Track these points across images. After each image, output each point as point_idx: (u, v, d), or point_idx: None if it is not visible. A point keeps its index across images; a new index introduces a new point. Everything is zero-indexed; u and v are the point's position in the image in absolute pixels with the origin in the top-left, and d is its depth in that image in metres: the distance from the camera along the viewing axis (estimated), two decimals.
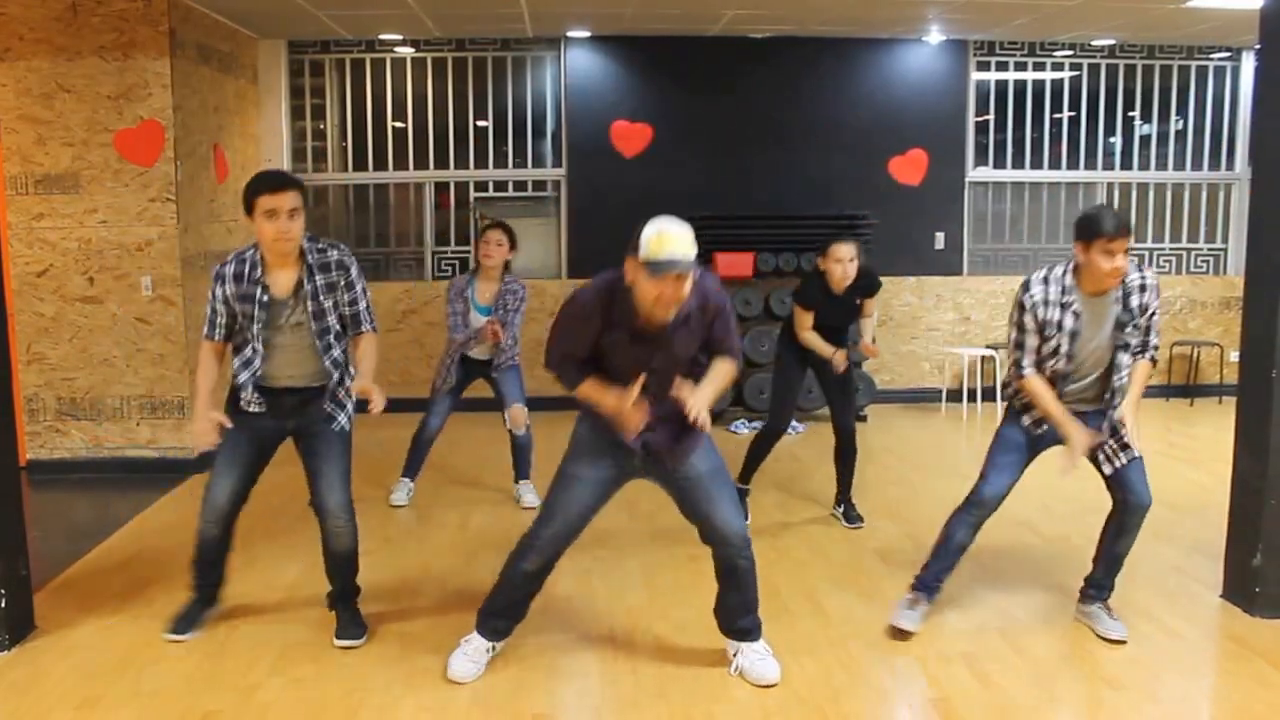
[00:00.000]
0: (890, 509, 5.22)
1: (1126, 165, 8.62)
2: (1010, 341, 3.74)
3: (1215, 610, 4.01)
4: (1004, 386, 3.88)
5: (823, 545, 4.85)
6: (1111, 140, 8.59)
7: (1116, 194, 8.58)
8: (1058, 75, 8.48)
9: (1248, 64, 8.47)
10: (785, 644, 3.65)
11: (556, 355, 3.25)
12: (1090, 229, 3.42)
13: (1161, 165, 8.62)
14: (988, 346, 8.20)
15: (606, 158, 7.98)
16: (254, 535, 4.64)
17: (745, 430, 7.37)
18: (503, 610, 3.49)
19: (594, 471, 3.31)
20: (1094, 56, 8.39)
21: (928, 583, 3.83)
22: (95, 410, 6.11)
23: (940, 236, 8.31)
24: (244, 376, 3.56)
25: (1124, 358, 3.60)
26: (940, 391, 8.22)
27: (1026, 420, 3.74)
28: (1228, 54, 8.49)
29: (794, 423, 6.89)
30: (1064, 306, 3.55)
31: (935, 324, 8.39)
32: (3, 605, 3.65)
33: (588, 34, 7.84)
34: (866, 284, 4.97)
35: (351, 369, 3.68)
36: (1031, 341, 3.64)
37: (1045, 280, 3.59)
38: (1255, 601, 3.93)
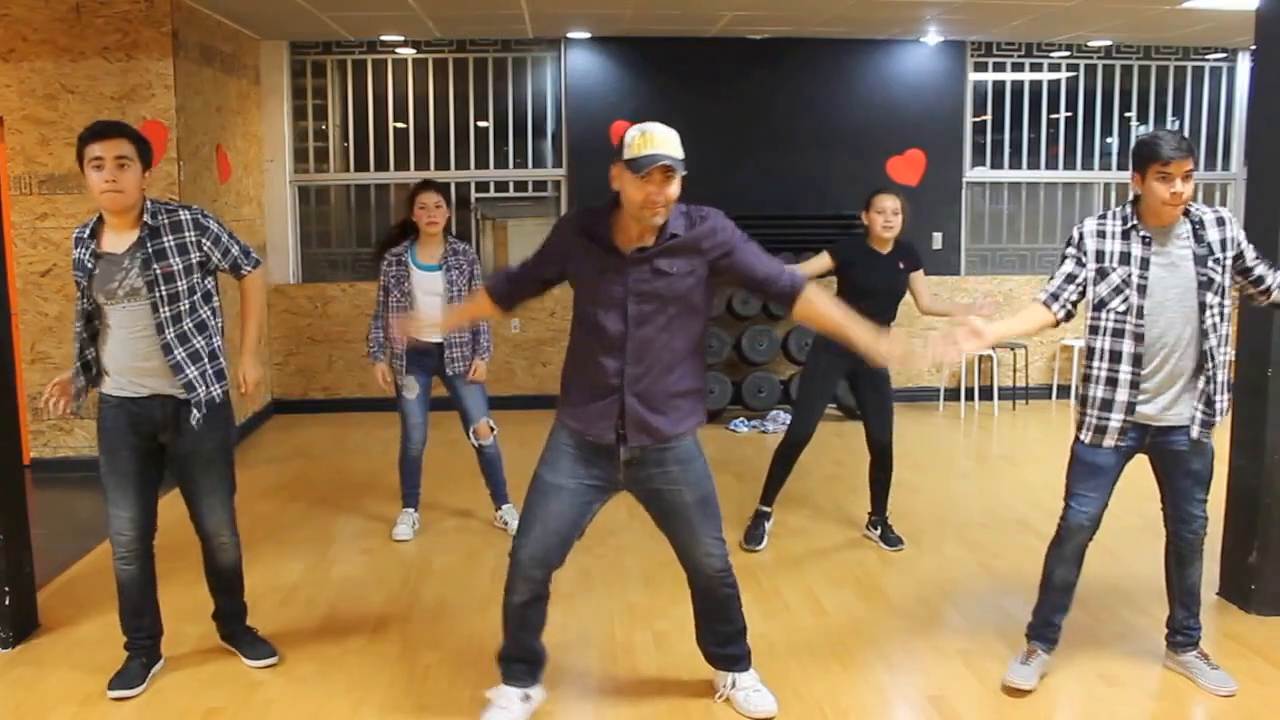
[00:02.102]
0: (889, 508, 5.23)
1: (1123, 166, 8.62)
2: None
3: (1211, 607, 4.02)
4: (1078, 399, 3.40)
5: (822, 544, 4.87)
6: (1108, 140, 8.61)
7: (1114, 194, 8.61)
8: (1055, 76, 8.50)
9: (1244, 65, 8.50)
10: (784, 642, 3.68)
11: (503, 275, 3.14)
12: (1145, 153, 3.06)
13: None
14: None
15: (607, 158, 7.89)
16: (256, 534, 4.66)
17: (745, 429, 7.39)
18: (515, 654, 3.14)
19: (574, 481, 2.99)
20: (1091, 57, 8.41)
21: (1038, 629, 3.44)
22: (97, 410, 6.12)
23: (938, 236, 8.33)
24: (80, 368, 3.25)
25: (1213, 336, 3.13)
26: (938, 391, 8.25)
27: (1108, 442, 3.27)
28: (1224, 55, 8.52)
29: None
30: (1126, 236, 3.15)
31: (933, 324, 8.39)
32: (6, 603, 3.68)
33: (588, 35, 7.86)
34: (910, 254, 4.68)
35: (207, 362, 3.26)
36: (1066, 267, 3.23)
37: (1104, 215, 3.23)
38: (1251, 599, 3.96)
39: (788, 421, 4.97)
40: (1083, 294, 3.24)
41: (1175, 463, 3.30)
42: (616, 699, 3.34)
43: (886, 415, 4.74)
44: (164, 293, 3.15)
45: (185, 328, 3.20)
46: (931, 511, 5.36)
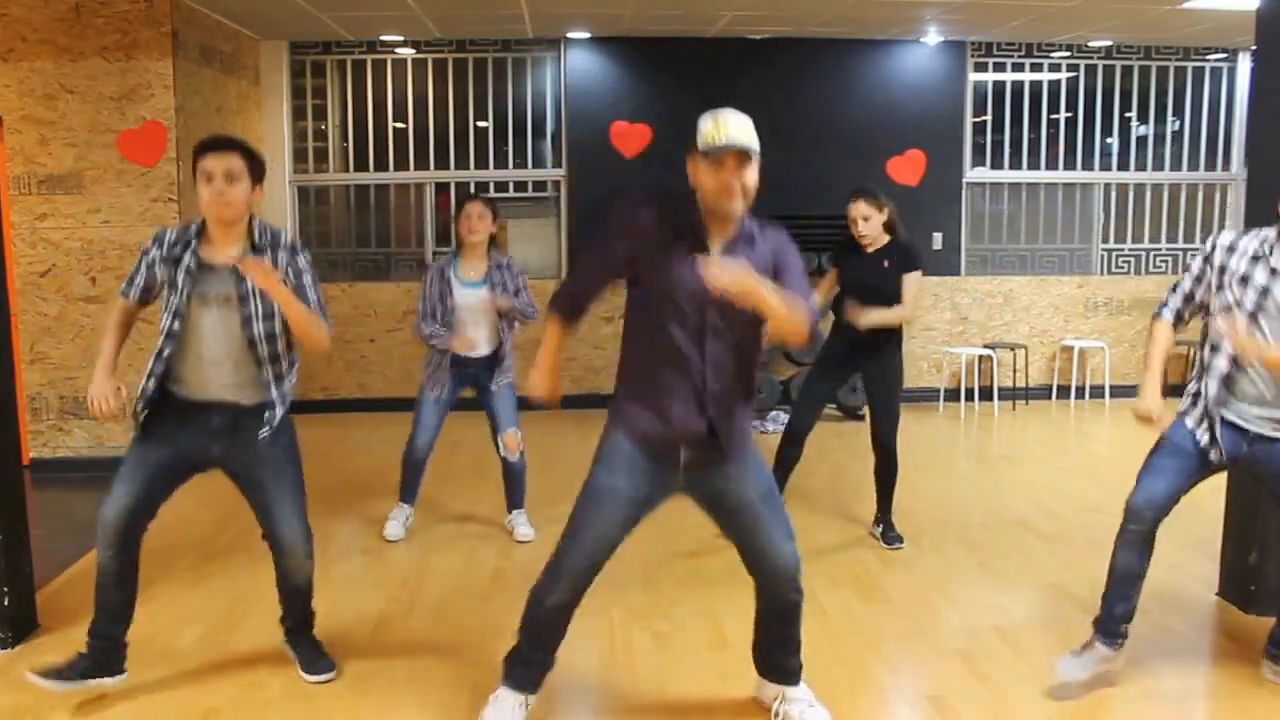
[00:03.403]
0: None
1: (1123, 166, 8.65)
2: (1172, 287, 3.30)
3: (1211, 608, 4.03)
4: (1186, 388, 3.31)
5: (821, 543, 4.87)
6: (1108, 141, 8.62)
7: (1114, 195, 8.61)
8: (1055, 76, 8.50)
9: (1244, 65, 8.50)
10: None
11: (565, 292, 2.94)
12: None
13: (1158, 166, 8.65)
14: (985, 346, 8.22)
15: (606, 158, 8.01)
16: (256, 534, 4.64)
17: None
18: (527, 657, 3.06)
19: (631, 487, 2.85)
20: (1091, 57, 8.41)
21: (1102, 621, 3.34)
22: None
23: (938, 237, 8.33)
24: (156, 371, 3.13)
25: None
26: (938, 391, 8.25)
27: (1190, 423, 3.21)
28: (1224, 55, 8.52)
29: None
30: (1257, 259, 3.05)
31: (933, 324, 8.42)
32: (6, 604, 3.68)
33: (587, 35, 7.86)
34: (903, 254, 4.63)
35: (289, 385, 3.26)
36: (1186, 284, 3.19)
37: (1243, 234, 3.13)
38: (1251, 600, 3.96)
39: (788, 421, 4.96)
40: (1201, 307, 3.23)
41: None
42: (616, 700, 3.34)
43: (892, 417, 4.74)
44: (259, 307, 3.12)
45: (266, 334, 3.16)
46: (931, 512, 5.36)
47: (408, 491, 5.00)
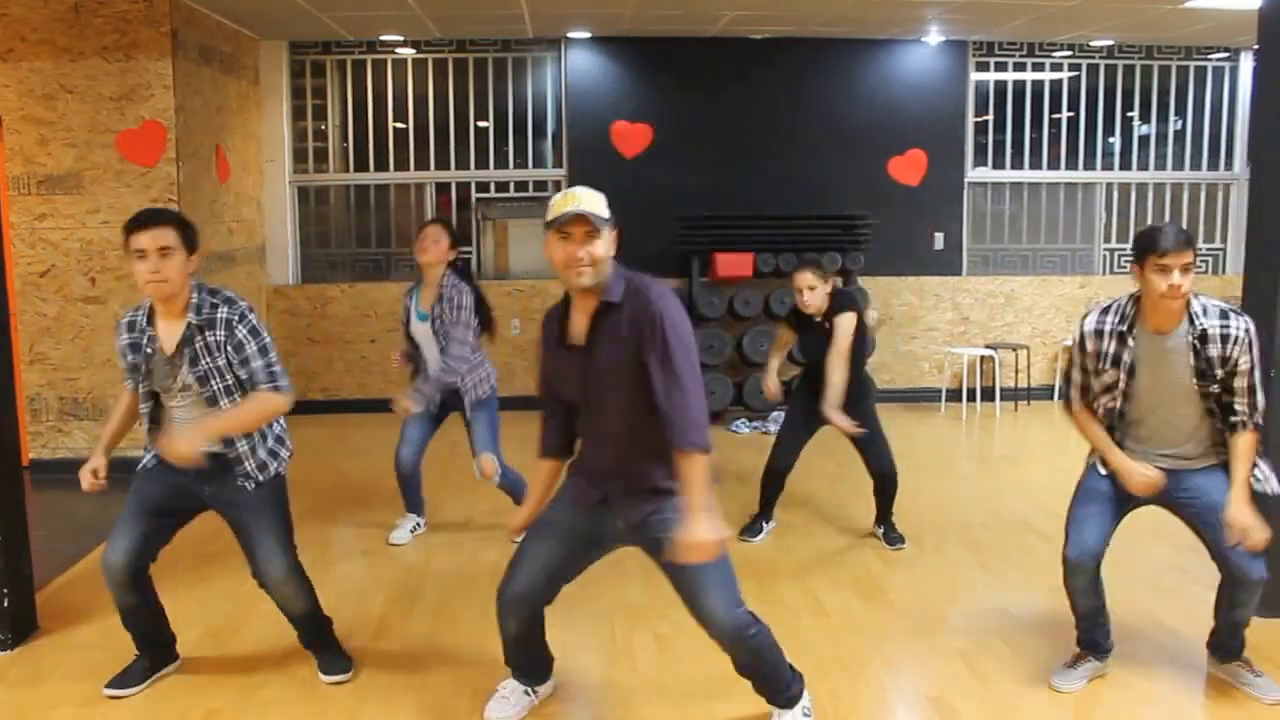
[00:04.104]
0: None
1: (1125, 165, 8.64)
2: (1062, 373, 3.48)
3: (1212, 609, 4.01)
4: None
5: (822, 544, 4.86)
6: (1110, 140, 8.60)
7: (1115, 194, 8.60)
8: (1056, 76, 8.49)
9: (1246, 64, 8.49)
10: (785, 642, 3.64)
11: (542, 432, 3.05)
12: (1142, 244, 3.04)
13: (1160, 165, 8.64)
14: (987, 346, 8.21)
15: (607, 158, 8.00)
16: None
17: (746, 430, 7.38)
18: (518, 663, 3.19)
19: (569, 520, 2.93)
20: (1093, 57, 8.40)
21: (1087, 644, 3.44)
22: (98, 410, 6.12)
23: (939, 237, 8.32)
24: (147, 439, 3.27)
25: (1212, 420, 3.16)
26: (940, 391, 8.24)
27: (1102, 469, 3.30)
28: (1226, 54, 8.51)
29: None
30: (1119, 337, 3.16)
31: (934, 324, 8.40)
32: (5, 605, 3.67)
33: (588, 35, 7.85)
34: (839, 304, 4.63)
35: (258, 434, 3.26)
36: (1076, 376, 3.30)
37: (1105, 310, 3.23)
38: None
39: (770, 458, 5.01)
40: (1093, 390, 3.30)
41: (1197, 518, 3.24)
42: (616, 701, 3.33)
43: (880, 447, 4.78)
44: (219, 386, 3.15)
45: (228, 404, 3.18)
46: (933, 512, 5.35)
47: (411, 503, 4.98)
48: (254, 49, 7.72)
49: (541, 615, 3.09)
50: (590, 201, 2.70)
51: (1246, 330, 3.08)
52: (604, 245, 2.71)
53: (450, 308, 4.57)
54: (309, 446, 6.92)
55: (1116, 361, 3.16)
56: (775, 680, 3.03)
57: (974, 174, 8.41)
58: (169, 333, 3.14)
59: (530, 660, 3.21)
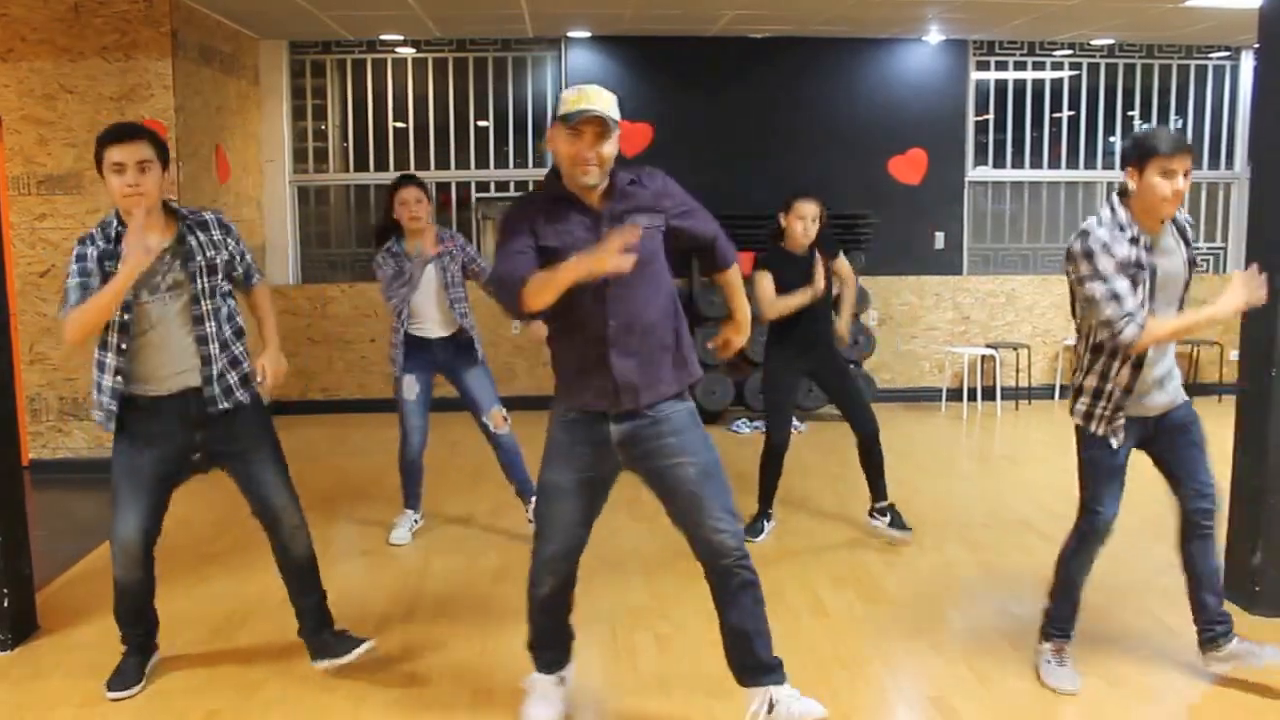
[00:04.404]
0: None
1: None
2: (1097, 297, 3.03)
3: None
4: (1075, 397, 3.37)
5: (823, 544, 4.85)
6: (1111, 140, 8.60)
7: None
8: (1057, 75, 8.49)
9: (1247, 63, 8.49)
10: (785, 642, 3.65)
11: (495, 275, 2.80)
12: (1145, 147, 2.99)
13: None
14: (987, 346, 8.21)
15: None
16: (256, 535, 4.63)
17: (747, 430, 7.38)
18: (545, 641, 3.16)
19: (574, 475, 2.92)
20: (1093, 56, 8.40)
21: (1062, 626, 3.41)
22: None
23: (940, 236, 8.32)
24: (115, 367, 3.12)
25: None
26: (940, 391, 8.23)
27: (1114, 441, 3.25)
28: (1227, 53, 8.51)
29: (795, 422, 6.89)
30: (1134, 241, 3.05)
31: (935, 323, 8.40)
32: (5, 605, 3.67)
33: (588, 34, 7.85)
34: (827, 242, 4.71)
35: (238, 351, 3.30)
36: (1122, 284, 3.01)
37: (1099, 225, 3.08)
38: (1255, 600, 3.94)
39: (767, 439, 4.95)
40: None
41: (1178, 437, 3.31)
42: (617, 701, 3.33)
43: (863, 403, 4.81)
44: (205, 285, 3.17)
45: (225, 326, 3.25)
46: (933, 512, 5.34)
47: (411, 497, 4.97)
48: (254, 49, 7.71)
49: (575, 571, 3.07)
50: (603, 102, 2.71)
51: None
52: (612, 145, 2.74)
53: (456, 244, 4.70)
54: (309, 446, 6.93)
55: (1141, 265, 3.05)
56: (767, 637, 2.99)
57: (974, 173, 8.40)
58: (152, 239, 3.06)
59: (556, 633, 3.15)
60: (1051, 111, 8.49)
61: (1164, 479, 3.39)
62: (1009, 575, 4.43)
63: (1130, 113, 8.56)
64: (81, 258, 3.09)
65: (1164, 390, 3.25)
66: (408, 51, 8.05)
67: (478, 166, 8.15)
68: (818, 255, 4.69)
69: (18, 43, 5.89)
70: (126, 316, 3.10)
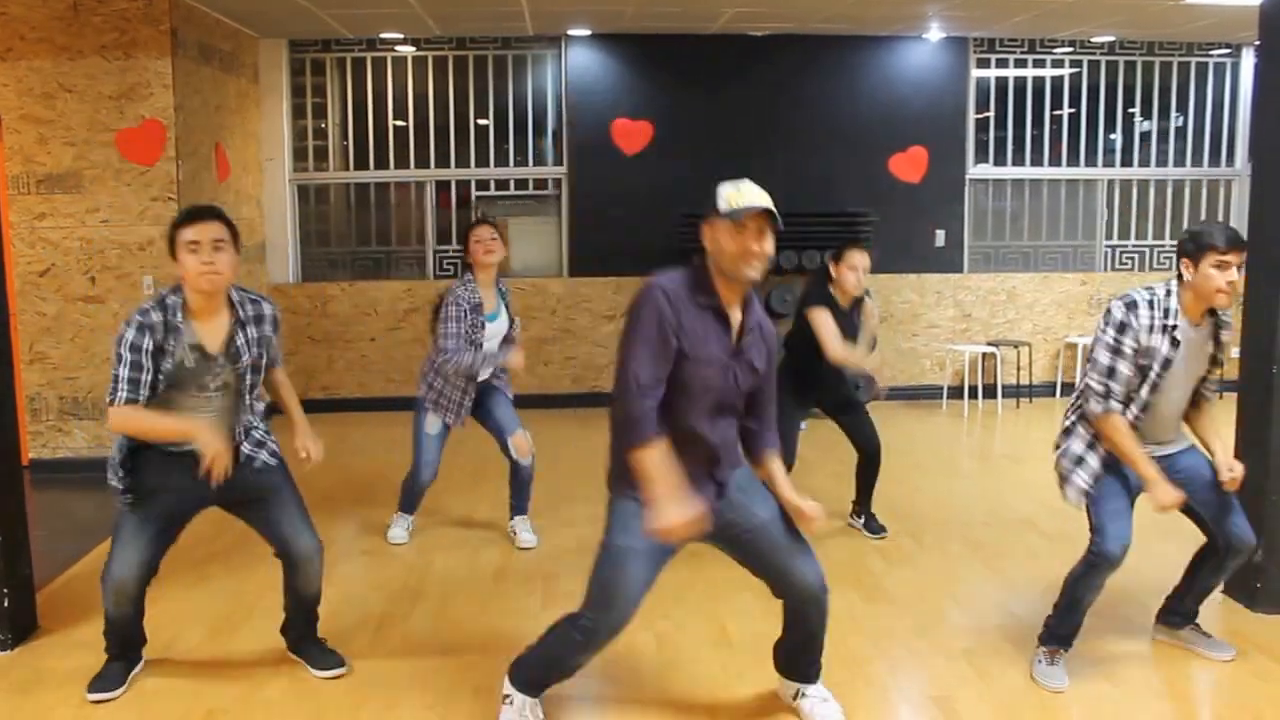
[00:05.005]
0: (891, 507, 5.22)
1: (1127, 162, 8.62)
2: (1097, 368, 3.26)
3: (1216, 606, 4.01)
4: (1058, 456, 3.49)
5: (823, 542, 4.84)
6: (1112, 137, 8.59)
7: (1117, 191, 8.59)
8: (1058, 72, 8.48)
9: (1248, 60, 8.48)
10: None
11: (632, 382, 2.68)
12: (1202, 240, 3.13)
13: (1162, 162, 8.62)
14: (988, 343, 8.20)
15: (607, 155, 7.99)
16: (255, 534, 4.63)
17: None
18: (546, 683, 3.09)
19: (651, 544, 2.79)
20: (1094, 53, 8.39)
21: (1065, 640, 3.45)
22: (98, 409, 6.12)
23: (941, 234, 8.31)
24: (131, 448, 3.18)
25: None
26: (941, 389, 8.23)
27: (1094, 461, 3.37)
28: (1228, 50, 8.49)
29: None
30: (1165, 330, 3.21)
31: (936, 321, 8.39)
32: (6, 605, 3.66)
33: (588, 32, 7.84)
34: (863, 299, 4.80)
35: (265, 426, 3.39)
36: (1126, 371, 3.22)
37: (1136, 305, 3.22)
38: (1256, 597, 3.94)
39: None
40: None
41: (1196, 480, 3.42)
42: (618, 700, 3.33)
43: (868, 428, 4.88)
44: (250, 380, 3.25)
45: (253, 408, 3.35)
46: (935, 510, 5.34)
47: (406, 505, 4.95)
48: (253, 47, 7.70)
49: None
50: (766, 198, 2.75)
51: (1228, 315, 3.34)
52: (772, 243, 2.78)
53: (508, 305, 4.68)
54: None
55: (1152, 355, 3.22)
56: (821, 647, 3.15)
57: (975, 171, 8.39)
58: (211, 331, 3.13)
59: (557, 681, 3.12)
60: (1052, 109, 8.47)
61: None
62: (1010, 574, 4.42)
63: (1131, 110, 8.55)
64: (135, 348, 3.03)
65: (1155, 442, 3.39)
66: (408, 50, 8.04)
67: (478, 165, 8.14)
68: (864, 304, 4.74)
69: (17, 41, 5.88)
70: (160, 400, 3.12)
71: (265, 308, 3.27)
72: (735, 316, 2.84)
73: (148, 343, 3.03)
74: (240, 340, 3.17)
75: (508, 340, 4.69)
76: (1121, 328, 3.21)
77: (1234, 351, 3.45)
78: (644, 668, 3.53)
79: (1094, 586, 3.36)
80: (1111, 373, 3.23)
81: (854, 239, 4.73)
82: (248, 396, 3.26)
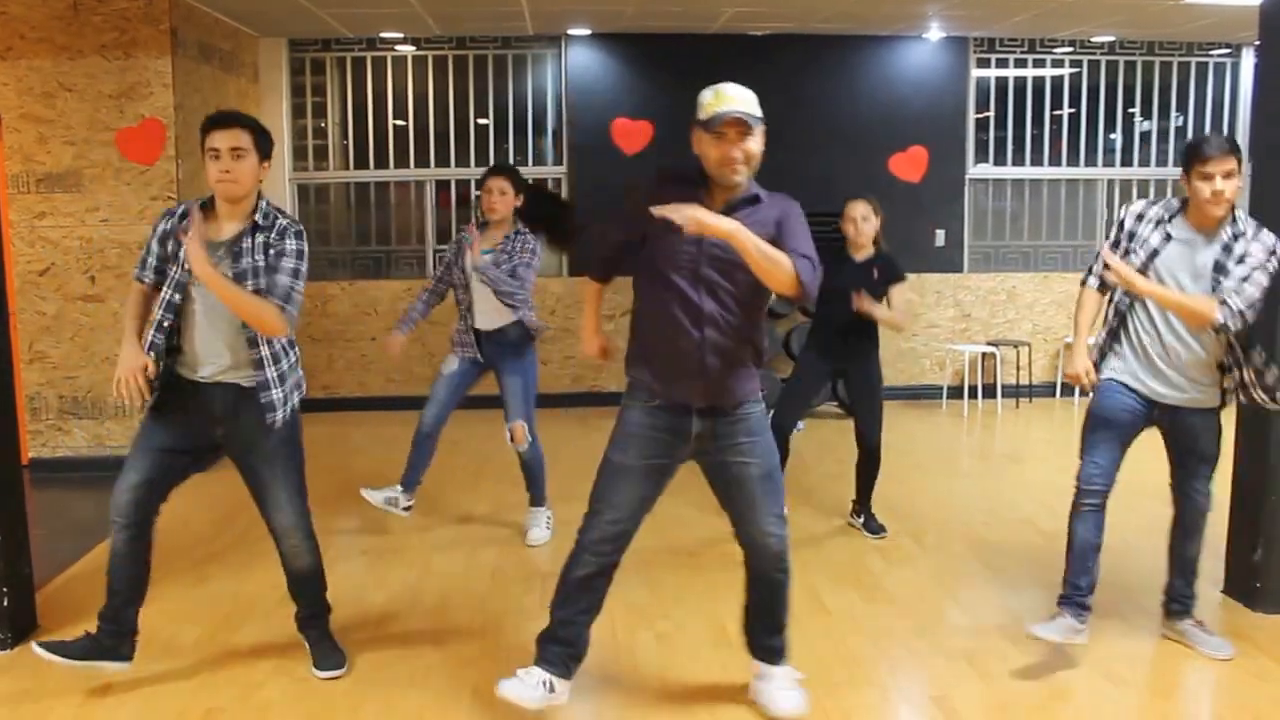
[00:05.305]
0: (891, 507, 5.22)
1: (1127, 162, 8.62)
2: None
3: (1216, 605, 4.01)
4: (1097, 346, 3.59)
5: (823, 542, 4.85)
6: (1112, 137, 8.59)
7: (1117, 191, 8.58)
8: (1058, 72, 8.48)
9: (1248, 60, 8.47)
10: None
11: (594, 256, 3.10)
12: (1189, 154, 3.24)
13: (1162, 162, 8.62)
14: (988, 343, 8.20)
15: (607, 155, 7.98)
16: (255, 534, 4.63)
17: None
18: (559, 636, 3.09)
19: (644, 460, 2.97)
20: (1094, 53, 8.38)
21: (1068, 596, 3.48)
22: (97, 409, 6.12)
23: (940, 233, 8.31)
24: (156, 342, 3.13)
25: (1215, 362, 3.39)
26: (941, 389, 8.23)
27: (1117, 377, 3.45)
28: (1228, 50, 8.49)
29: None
30: (1158, 223, 3.36)
31: (936, 321, 8.39)
32: (5, 604, 3.66)
33: (588, 32, 7.84)
34: (890, 265, 4.75)
35: (286, 366, 3.25)
36: (1105, 249, 3.41)
37: (1152, 202, 3.45)
38: (1256, 597, 3.94)
39: (773, 418, 4.97)
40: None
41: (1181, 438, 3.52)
42: (618, 699, 3.33)
43: (876, 416, 4.87)
44: (250, 285, 3.10)
45: (276, 358, 3.22)
46: (935, 510, 5.34)
47: (411, 472, 4.83)
48: (253, 46, 7.70)
49: (620, 555, 3.06)
50: (744, 101, 2.79)
51: (1272, 239, 3.28)
52: (757, 142, 2.81)
53: (525, 247, 4.54)
54: (309, 444, 6.82)
55: (1144, 244, 3.35)
56: (781, 625, 3.17)
57: (975, 170, 8.39)
58: (225, 230, 3.14)
59: (573, 635, 3.09)
60: (1052, 109, 8.47)
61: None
62: (1010, 574, 4.42)
63: (1131, 110, 8.55)
64: (154, 230, 3.22)
65: (1170, 384, 3.41)
66: (408, 49, 8.04)
67: (478, 164, 8.12)
68: (875, 272, 4.71)
69: (17, 41, 5.88)
70: (178, 297, 3.13)
71: (287, 225, 3.17)
72: (713, 208, 2.79)
73: (163, 226, 3.19)
74: (247, 242, 3.12)
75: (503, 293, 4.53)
76: (1124, 215, 3.45)
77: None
78: (645, 667, 3.53)
79: (1079, 519, 3.48)
80: (1098, 255, 3.45)
81: (857, 194, 4.76)
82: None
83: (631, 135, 8.00)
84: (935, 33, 7.95)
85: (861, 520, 4.98)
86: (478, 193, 4.78)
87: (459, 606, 4.08)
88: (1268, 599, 3.92)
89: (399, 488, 4.88)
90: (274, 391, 3.20)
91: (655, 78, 8.00)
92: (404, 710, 3.23)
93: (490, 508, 5.31)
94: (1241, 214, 3.34)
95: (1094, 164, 8.57)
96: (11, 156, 5.96)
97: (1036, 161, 8.50)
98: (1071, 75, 8.49)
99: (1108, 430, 3.45)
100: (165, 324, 3.14)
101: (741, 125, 2.75)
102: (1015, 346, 8.17)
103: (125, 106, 5.96)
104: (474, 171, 8.11)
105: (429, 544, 4.86)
